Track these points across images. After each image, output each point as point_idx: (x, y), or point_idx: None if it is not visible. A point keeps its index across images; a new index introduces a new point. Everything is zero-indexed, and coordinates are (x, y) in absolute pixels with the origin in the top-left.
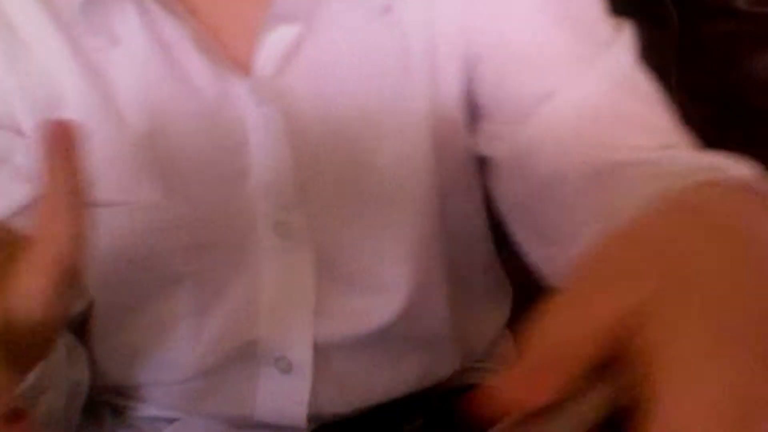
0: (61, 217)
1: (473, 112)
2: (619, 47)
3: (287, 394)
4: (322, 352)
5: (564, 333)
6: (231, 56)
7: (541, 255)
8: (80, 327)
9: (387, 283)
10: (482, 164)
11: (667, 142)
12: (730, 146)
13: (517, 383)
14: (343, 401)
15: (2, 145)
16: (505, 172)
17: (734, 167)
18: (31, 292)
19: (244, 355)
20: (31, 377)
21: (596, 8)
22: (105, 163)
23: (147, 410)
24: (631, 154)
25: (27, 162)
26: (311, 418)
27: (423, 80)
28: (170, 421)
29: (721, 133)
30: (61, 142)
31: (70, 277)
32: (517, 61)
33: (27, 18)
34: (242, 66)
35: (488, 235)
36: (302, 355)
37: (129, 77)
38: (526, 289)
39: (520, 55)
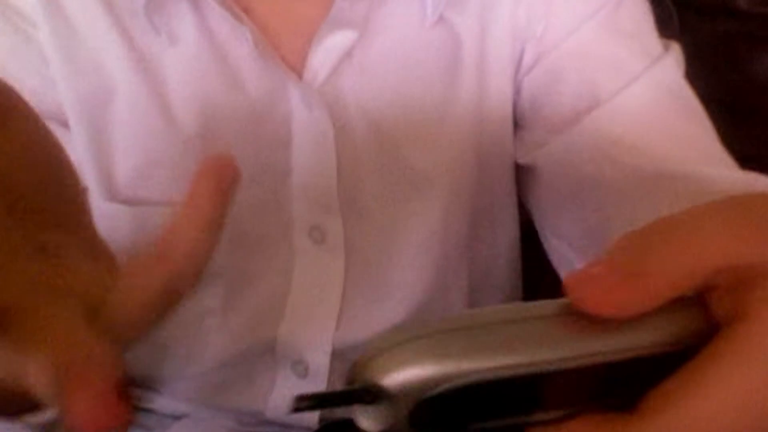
0: (191, 240)
1: (514, 122)
2: (668, 62)
3: None
4: (339, 356)
5: (669, 258)
6: (284, 58)
7: (571, 263)
8: None
9: (409, 290)
10: (516, 171)
11: (708, 158)
12: (731, 146)
13: (598, 285)
14: None
15: None
16: (544, 176)
17: None
18: (129, 302)
19: (262, 354)
20: None
21: (647, 24)
22: (151, 163)
23: (159, 402)
24: (673, 166)
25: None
26: (322, 418)
27: (472, 90)
28: (177, 417)
29: (721, 133)
30: (221, 175)
31: (172, 302)
32: (565, 70)
33: (84, 12)
34: (294, 68)
35: (517, 243)
36: (320, 359)
37: (182, 76)
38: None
39: (569, 64)
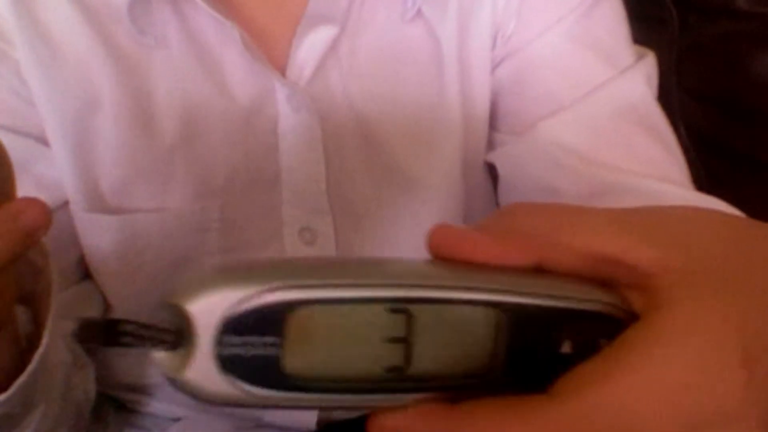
0: None
1: None
2: (634, 75)
3: None
4: None
5: (526, 225)
6: (269, 56)
7: None
8: None
9: None
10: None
11: (662, 175)
12: (730, 146)
13: (453, 234)
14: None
15: (22, 152)
16: (501, 177)
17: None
18: None
19: None
20: (12, 390)
21: (621, 33)
22: (137, 173)
23: (156, 406)
24: (624, 178)
25: (47, 171)
26: (320, 422)
27: (456, 90)
28: (175, 420)
29: (721, 133)
30: None
31: None
32: (529, 73)
33: (63, 25)
34: (279, 67)
35: None
36: None
37: (167, 81)
38: None
39: (533, 66)
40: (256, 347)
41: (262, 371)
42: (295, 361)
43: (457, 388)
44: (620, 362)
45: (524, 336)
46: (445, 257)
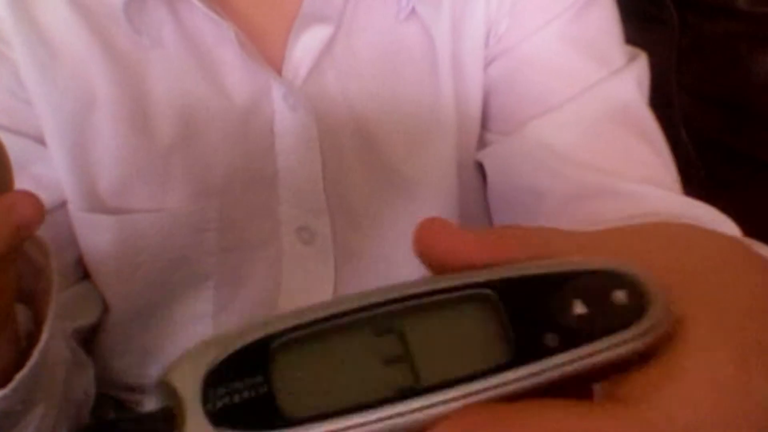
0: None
1: None
2: (625, 76)
3: None
4: None
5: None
6: (265, 56)
7: None
8: (90, 337)
9: None
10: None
11: (651, 178)
12: (731, 146)
13: (442, 228)
14: None
15: (20, 153)
16: (490, 180)
17: (714, 223)
18: None
19: None
20: (12, 385)
21: (614, 34)
22: (135, 173)
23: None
24: (612, 181)
25: (45, 171)
26: None
27: (450, 88)
28: None
29: (722, 133)
30: None
31: None
32: (520, 72)
33: (60, 25)
34: (276, 67)
35: None
36: None
37: (164, 82)
38: None
39: (524, 66)
40: (245, 390)
41: (257, 415)
42: (288, 397)
43: (480, 383)
44: (680, 364)
45: (528, 309)
46: (428, 250)
